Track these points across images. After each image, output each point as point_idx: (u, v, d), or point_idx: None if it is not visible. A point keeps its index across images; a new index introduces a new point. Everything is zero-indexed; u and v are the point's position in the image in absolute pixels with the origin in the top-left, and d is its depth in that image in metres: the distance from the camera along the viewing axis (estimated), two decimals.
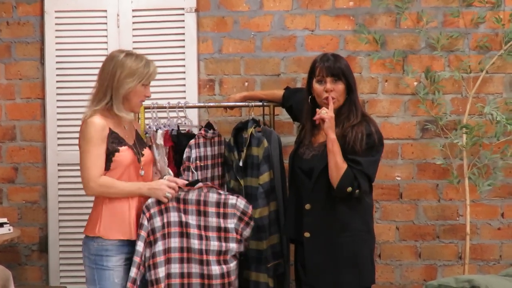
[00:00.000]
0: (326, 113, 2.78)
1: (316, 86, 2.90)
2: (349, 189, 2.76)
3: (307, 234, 2.89)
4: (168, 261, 2.93)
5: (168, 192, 2.89)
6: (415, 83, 3.71)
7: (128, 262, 2.89)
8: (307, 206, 2.89)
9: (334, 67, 2.86)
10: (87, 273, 2.90)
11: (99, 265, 2.84)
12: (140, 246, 2.84)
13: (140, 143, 3.04)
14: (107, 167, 2.85)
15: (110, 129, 2.86)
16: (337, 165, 2.76)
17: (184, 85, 3.75)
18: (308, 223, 2.89)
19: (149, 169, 3.04)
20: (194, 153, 3.25)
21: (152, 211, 2.88)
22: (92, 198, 2.95)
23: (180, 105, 3.48)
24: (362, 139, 2.79)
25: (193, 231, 2.96)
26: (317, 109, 2.83)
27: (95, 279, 2.86)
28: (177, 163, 3.40)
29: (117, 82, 2.85)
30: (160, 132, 3.35)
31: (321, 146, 2.90)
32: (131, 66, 2.87)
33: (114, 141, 2.86)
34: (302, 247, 2.94)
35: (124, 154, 2.87)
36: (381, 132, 2.92)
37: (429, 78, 3.64)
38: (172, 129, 3.41)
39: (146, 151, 3.02)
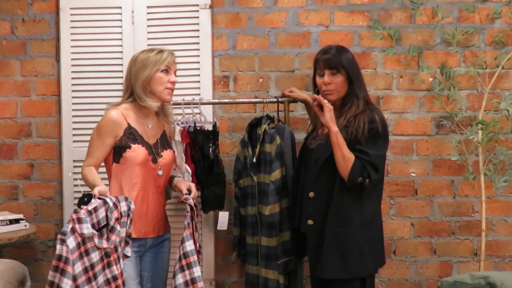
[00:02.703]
0: (327, 103, 2.82)
1: (317, 78, 2.97)
2: (360, 179, 2.78)
3: (310, 222, 2.92)
4: None
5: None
6: (430, 79, 3.70)
7: (135, 256, 2.92)
8: (311, 194, 2.92)
9: (331, 59, 2.91)
10: None
11: None
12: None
13: (163, 144, 3.05)
14: (117, 160, 2.90)
15: (129, 124, 2.89)
16: (344, 157, 2.78)
17: (199, 81, 3.75)
18: (311, 211, 2.92)
19: (166, 170, 3.04)
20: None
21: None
22: None
23: (195, 101, 3.49)
24: (365, 127, 2.81)
25: (193, 258, 2.89)
26: (318, 96, 2.85)
27: None
28: (194, 160, 3.41)
29: (134, 78, 2.92)
30: (178, 128, 3.36)
31: (326, 135, 2.92)
32: (143, 59, 2.93)
33: (129, 137, 2.89)
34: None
35: (136, 152, 2.89)
36: (386, 121, 2.93)
37: (445, 74, 3.62)
38: (190, 126, 3.42)
39: (167, 153, 3.03)
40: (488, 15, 3.66)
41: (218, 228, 3.55)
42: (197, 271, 2.86)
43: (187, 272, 2.85)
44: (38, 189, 3.91)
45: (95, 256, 2.61)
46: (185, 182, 3.09)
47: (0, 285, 2.88)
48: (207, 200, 3.52)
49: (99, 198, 2.68)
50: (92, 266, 2.60)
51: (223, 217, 3.54)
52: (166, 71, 2.94)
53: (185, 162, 3.29)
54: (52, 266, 2.49)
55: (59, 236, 2.50)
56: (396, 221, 3.74)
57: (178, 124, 3.39)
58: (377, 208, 2.97)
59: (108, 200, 2.69)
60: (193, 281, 2.85)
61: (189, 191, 3.02)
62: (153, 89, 2.93)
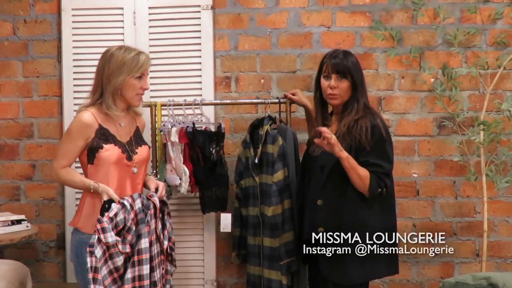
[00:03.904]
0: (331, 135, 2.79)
1: (323, 81, 2.98)
2: (379, 190, 2.85)
3: (321, 229, 2.91)
4: None
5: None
6: (432, 80, 3.70)
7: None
8: (319, 202, 2.92)
9: (340, 64, 2.93)
10: (74, 266, 2.93)
11: (80, 258, 2.83)
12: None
13: (137, 141, 3.03)
14: (91, 161, 2.89)
15: (100, 125, 2.88)
16: (361, 176, 2.82)
17: (200, 82, 3.75)
18: (321, 218, 2.92)
19: (142, 167, 3.02)
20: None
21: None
22: None
23: (196, 102, 3.49)
24: (367, 131, 2.83)
25: (145, 256, 2.89)
26: (321, 128, 2.82)
27: (78, 273, 2.88)
28: (192, 160, 3.41)
29: (106, 79, 2.89)
30: (174, 129, 3.36)
31: None
32: (118, 60, 2.87)
33: (101, 138, 2.88)
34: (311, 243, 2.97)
35: (109, 152, 2.88)
36: (387, 125, 2.96)
37: (446, 74, 3.62)
38: (188, 126, 3.42)
39: (141, 149, 3.01)
40: (490, 15, 3.66)
41: (222, 230, 3.57)
42: (146, 269, 2.86)
43: (136, 268, 2.85)
44: (40, 189, 3.91)
45: (119, 260, 2.78)
46: (155, 181, 3.07)
47: (2, 286, 2.89)
48: (207, 201, 3.51)
49: (118, 202, 2.80)
50: (117, 269, 2.78)
51: (225, 219, 3.54)
52: (140, 77, 2.92)
53: (183, 163, 3.29)
54: (88, 280, 2.68)
55: (88, 249, 2.69)
56: (398, 221, 3.69)
57: (174, 124, 3.39)
58: (391, 212, 2.99)
59: (125, 202, 2.81)
60: (140, 278, 2.86)
61: (156, 190, 3.01)
62: (124, 94, 2.91)
